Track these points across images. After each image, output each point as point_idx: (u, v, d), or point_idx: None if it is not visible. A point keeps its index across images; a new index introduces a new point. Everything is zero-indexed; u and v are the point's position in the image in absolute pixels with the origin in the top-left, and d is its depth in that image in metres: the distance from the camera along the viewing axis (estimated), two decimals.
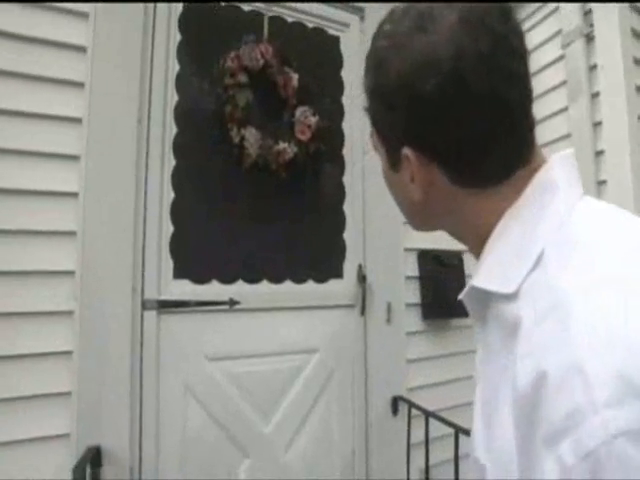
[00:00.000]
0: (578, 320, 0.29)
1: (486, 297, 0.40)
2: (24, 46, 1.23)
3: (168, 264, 1.42)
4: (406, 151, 0.41)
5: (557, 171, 0.40)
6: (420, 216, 0.48)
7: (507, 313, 0.36)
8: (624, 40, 1.45)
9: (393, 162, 0.45)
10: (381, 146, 0.46)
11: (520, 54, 0.39)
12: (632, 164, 1.40)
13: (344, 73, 1.80)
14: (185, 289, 1.44)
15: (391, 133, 0.43)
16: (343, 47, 1.80)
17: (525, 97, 0.40)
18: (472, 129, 0.38)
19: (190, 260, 1.45)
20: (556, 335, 0.29)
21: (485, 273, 0.40)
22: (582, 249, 0.34)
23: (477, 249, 0.43)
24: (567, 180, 0.39)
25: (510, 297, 0.36)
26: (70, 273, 1.24)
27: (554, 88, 1.68)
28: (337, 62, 1.79)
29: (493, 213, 0.40)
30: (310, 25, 1.74)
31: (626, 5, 1.52)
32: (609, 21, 1.50)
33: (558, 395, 0.27)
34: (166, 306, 1.39)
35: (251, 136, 1.49)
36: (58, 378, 1.19)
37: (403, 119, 0.40)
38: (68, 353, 1.21)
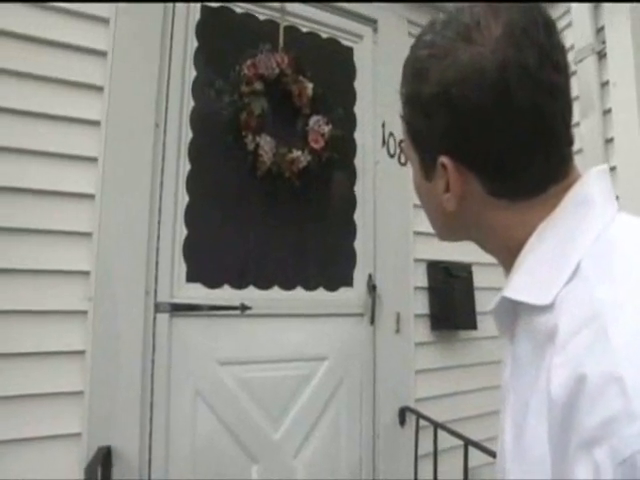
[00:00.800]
0: (616, 331, 0.29)
1: (516, 308, 0.40)
2: (45, 49, 1.26)
3: (181, 267, 1.43)
4: (443, 159, 0.41)
5: (593, 186, 0.39)
6: (449, 226, 0.48)
7: (541, 324, 0.36)
8: (637, 57, 1.47)
9: (427, 171, 0.44)
10: (414, 154, 0.46)
11: (563, 68, 0.39)
12: None
13: (357, 84, 1.82)
14: (197, 293, 1.44)
15: (428, 141, 0.43)
16: (356, 58, 1.83)
17: (566, 111, 0.40)
18: (513, 140, 0.38)
19: (203, 264, 1.46)
20: (595, 344, 0.30)
21: (518, 284, 0.40)
22: (619, 262, 0.34)
23: (506, 261, 0.43)
24: (603, 195, 0.39)
25: (545, 308, 0.36)
26: (85, 273, 1.25)
27: None
28: (350, 73, 1.81)
29: (525, 227, 0.40)
30: (324, 35, 1.77)
31: (638, 22, 1.54)
32: (621, 38, 1.51)
33: (595, 402, 0.28)
34: (178, 309, 1.39)
35: (266, 144, 1.50)
36: (70, 377, 1.20)
37: (443, 127, 0.40)
38: (81, 353, 1.22)
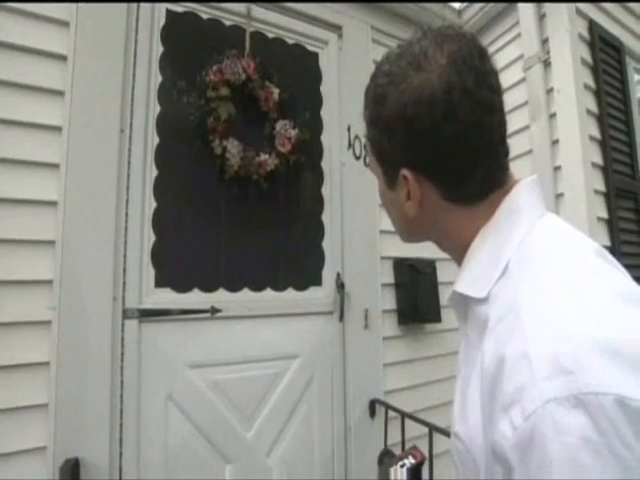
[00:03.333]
0: (529, 318, 0.36)
1: (466, 300, 0.47)
2: (3, 53, 1.22)
3: (149, 273, 1.42)
4: (404, 172, 0.47)
5: (522, 196, 0.46)
6: (411, 229, 0.54)
7: (480, 313, 0.44)
8: (576, 67, 1.60)
9: (390, 182, 0.51)
10: (379, 168, 0.52)
11: (497, 89, 0.46)
12: (585, 179, 1.54)
13: (323, 88, 1.86)
14: (167, 298, 1.44)
15: (390, 156, 0.49)
16: (322, 63, 1.87)
17: (502, 126, 0.46)
18: (460, 151, 0.44)
19: (172, 269, 1.46)
20: (513, 329, 0.37)
21: (464, 280, 0.47)
22: (536, 261, 0.41)
23: (458, 258, 0.50)
24: (530, 203, 0.46)
25: (483, 300, 0.44)
26: (48, 282, 1.22)
27: (517, 107, 1.83)
28: (316, 77, 1.85)
29: (471, 229, 0.47)
30: (290, 41, 1.80)
31: (576, 35, 1.68)
32: (562, 50, 1.64)
33: (511, 375, 0.34)
34: (147, 315, 1.38)
35: (233, 147, 1.51)
36: (34, 390, 1.17)
37: (402, 143, 0.46)
38: (45, 364, 1.19)
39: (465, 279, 0.47)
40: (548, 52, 1.70)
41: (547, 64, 1.71)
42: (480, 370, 0.39)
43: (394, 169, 0.48)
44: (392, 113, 0.45)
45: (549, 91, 1.70)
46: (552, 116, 1.68)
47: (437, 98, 0.42)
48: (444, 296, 1.89)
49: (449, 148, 0.44)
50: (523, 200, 0.46)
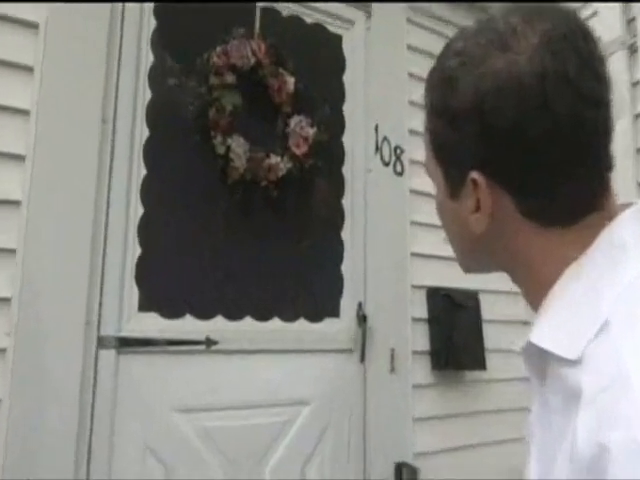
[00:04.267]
0: (638, 394, 0.31)
1: (545, 355, 0.42)
2: None
3: (133, 293, 1.36)
4: (474, 175, 0.43)
5: (627, 227, 0.41)
6: (476, 252, 0.49)
7: (567, 377, 0.38)
8: None
9: (453, 188, 0.46)
10: (439, 170, 0.48)
11: (604, 79, 0.41)
12: None
13: (346, 78, 1.76)
14: (152, 324, 1.37)
15: (456, 155, 0.45)
16: (346, 48, 1.77)
17: (608, 128, 0.41)
18: (552, 154, 0.40)
19: (160, 290, 1.40)
20: (617, 409, 0.32)
21: (545, 331, 0.42)
22: None
23: (534, 297, 0.45)
24: (637, 238, 0.41)
25: (573, 362, 0.38)
26: (5, 301, 1.13)
27: None
28: (339, 64, 1.76)
29: (557, 260, 0.42)
30: (308, 20, 1.69)
31: None
32: None
33: (622, 470, 0.30)
34: (128, 344, 1.32)
35: (238, 147, 1.43)
36: None
37: (474, 140, 0.42)
38: None
39: (546, 330, 0.42)
40: (635, 35, 1.56)
41: (633, 50, 1.57)
42: (571, 447, 0.34)
43: (460, 171, 0.44)
44: (465, 102, 0.41)
45: (635, 84, 1.57)
46: (638, 116, 1.56)
47: (526, 86, 0.38)
48: (490, 337, 1.77)
49: (538, 149, 0.39)
50: (628, 233, 0.40)
